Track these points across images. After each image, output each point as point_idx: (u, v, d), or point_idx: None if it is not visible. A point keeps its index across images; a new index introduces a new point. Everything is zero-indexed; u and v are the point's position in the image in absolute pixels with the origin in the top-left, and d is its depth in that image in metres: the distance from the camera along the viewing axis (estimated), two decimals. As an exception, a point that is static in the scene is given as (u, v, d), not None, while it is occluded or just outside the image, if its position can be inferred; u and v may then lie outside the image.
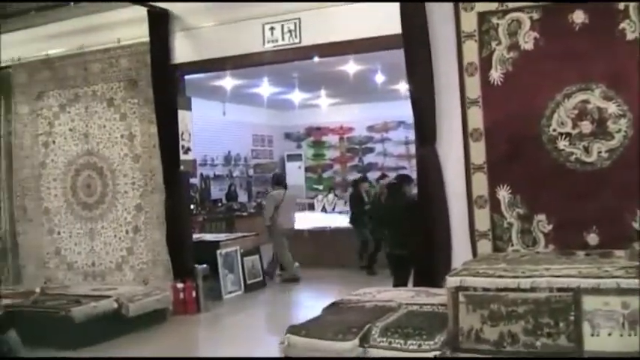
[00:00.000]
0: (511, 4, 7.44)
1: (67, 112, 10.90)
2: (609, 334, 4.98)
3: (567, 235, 7.19)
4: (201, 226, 15.46)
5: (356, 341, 5.74)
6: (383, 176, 14.01)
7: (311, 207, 16.91)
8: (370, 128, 22.45)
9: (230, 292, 11.26)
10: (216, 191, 19.95)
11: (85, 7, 10.13)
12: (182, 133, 10.07)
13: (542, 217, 7.34)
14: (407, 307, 6.57)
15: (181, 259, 9.97)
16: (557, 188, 7.26)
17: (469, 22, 7.67)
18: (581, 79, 7.14)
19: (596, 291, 5.05)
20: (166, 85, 9.92)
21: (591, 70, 7.12)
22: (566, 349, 5.09)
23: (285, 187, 13.61)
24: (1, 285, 10.73)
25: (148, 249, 10.19)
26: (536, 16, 7.34)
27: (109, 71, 10.51)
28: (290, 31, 9.12)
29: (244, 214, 18.39)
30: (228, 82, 15.75)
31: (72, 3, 9.98)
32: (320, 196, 16.91)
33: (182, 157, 10.06)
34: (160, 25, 9.90)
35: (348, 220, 13.94)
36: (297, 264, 12.91)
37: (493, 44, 7.55)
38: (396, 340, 5.67)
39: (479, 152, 7.66)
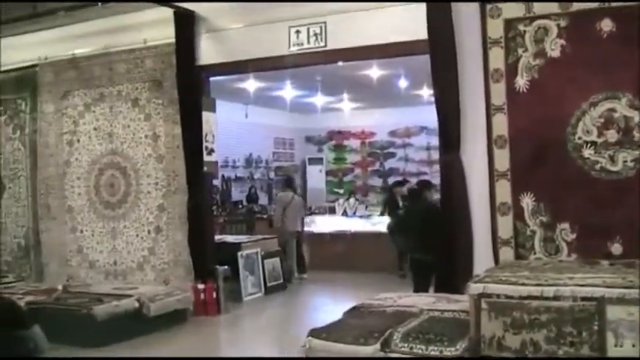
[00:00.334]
0: (538, 11, 7.42)
1: (92, 112, 10.98)
2: (633, 345, 4.93)
3: (591, 245, 7.15)
4: (222, 227, 15.44)
5: (377, 346, 5.74)
6: (404, 181, 13.91)
7: (332, 211, 16.86)
8: (392, 133, 22.38)
9: (250, 294, 11.29)
10: (237, 193, 19.96)
11: (111, 7, 10.17)
12: (206, 135, 10.11)
13: (565, 225, 7.31)
14: (428, 313, 6.55)
15: (202, 260, 10.00)
16: (582, 197, 7.23)
17: (495, 28, 7.66)
18: (608, 87, 7.12)
19: (621, 301, 5.00)
20: (191, 86, 9.97)
21: (618, 79, 7.08)
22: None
23: (294, 190, 13.77)
24: (23, 282, 10.82)
25: (170, 249, 10.23)
26: (563, 23, 7.32)
27: (135, 71, 10.58)
28: (316, 35, 9.14)
29: (264, 216, 18.34)
30: (251, 84, 15.75)
31: (99, 3, 10.03)
32: (341, 200, 16.85)
33: (205, 158, 10.10)
34: (186, 26, 9.96)
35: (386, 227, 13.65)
36: (304, 275, 12.96)
37: (519, 51, 7.54)
38: (418, 346, 5.66)
39: (503, 159, 7.64)
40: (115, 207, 10.78)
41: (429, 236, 8.78)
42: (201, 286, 9.87)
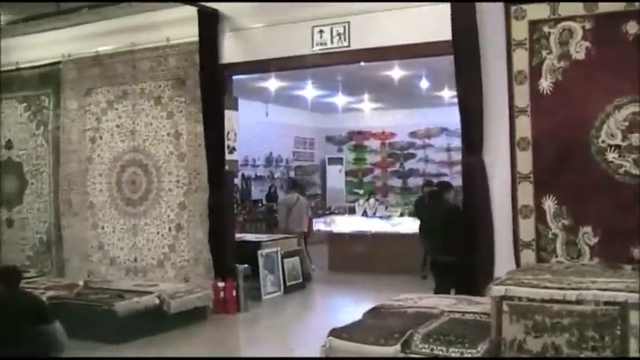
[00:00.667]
0: (563, 13, 7.38)
1: (115, 109, 11.03)
2: (656, 350, 4.92)
3: (613, 249, 7.12)
4: (241, 226, 15.52)
5: (398, 347, 5.72)
6: (428, 183, 13.78)
7: (351, 211, 16.87)
8: (412, 134, 22.35)
9: (269, 293, 11.29)
10: (257, 192, 20.03)
11: (135, 5, 10.21)
12: (228, 133, 10.13)
13: (588, 229, 7.28)
14: (449, 315, 6.53)
15: (223, 258, 10.02)
16: (605, 200, 7.19)
17: (520, 30, 7.64)
18: (633, 90, 7.06)
19: (644, 306, 4.98)
20: (214, 84, 10.00)
21: (643, 82, 7.03)
22: (611, 363, 5.03)
23: (302, 191, 13.75)
24: (45, 277, 10.89)
25: (190, 247, 10.26)
26: (588, 25, 7.29)
27: (158, 69, 10.62)
28: (339, 35, 9.14)
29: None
30: (272, 83, 15.78)
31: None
32: (361, 201, 16.85)
33: (227, 156, 10.12)
34: (210, 25, 9.99)
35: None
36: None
37: (544, 53, 7.51)
38: (438, 347, 5.63)
39: (526, 161, 7.62)
40: (136, 204, 10.83)
41: (449, 238, 8.76)
42: (221, 284, 9.89)
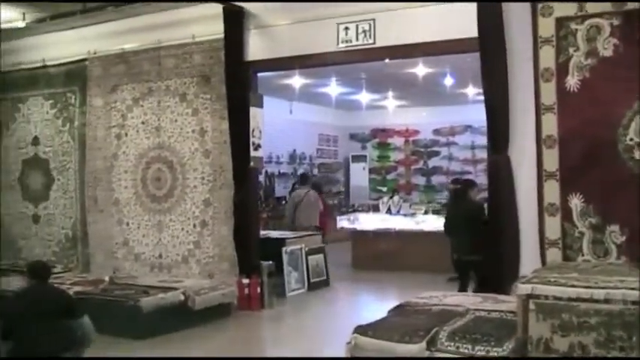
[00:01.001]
0: (591, 10, 7.31)
1: (140, 106, 11.09)
2: (684, 350, 4.87)
3: (641, 248, 7.04)
4: (265, 222, 15.53)
5: (423, 344, 5.71)
6: (456, 181, 13.64)
7: (375, 208, 16.83)
8: (436, 132, 22.28)
9: (293, 290, 11.29)
10: (281, 189, 20.03)
11: (160, 3, 10.27)
12: (253, 130, 10.16)
13: (615, 227, 7.21)
14: (474, 313, 6.50)
15: (247, 254, 10.05)
16: (632, 199, 7.11)
17: (547, 27, 7.57)
18: (662, 88, 6.99)
19: (672, 306, 4.93)
20: (239, 82, 10.02)
21: (672, 79, 6.96)
22: (639, 363, 4.99)
23: (318, 187, 14.10)
24: (71, 272, 10.97)
25: (215, 243, 10.30)
26: (616, 22, 7.21)
27: (183, 67, 10.66)
28: (364, 32, 9.13)
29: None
30: (296, 80, 15.81)
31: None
32: (385, 198, 16.82)
33: (252, 153, 10.16)
34: (235, 22, 10.00)
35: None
36: None
37: (571, 50, 7.44)
38: (464, 346, 5.62)
39: (552, 159, 7.56)
40: (161, 200, 10.89)
41: (474, 236, 8.74)
42: (245, 281, 9.91)
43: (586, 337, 5.14)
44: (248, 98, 10.11)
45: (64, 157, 12.00)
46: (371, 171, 23.17)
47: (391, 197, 16.49)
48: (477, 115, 8.07)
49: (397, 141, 23.08)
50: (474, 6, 7.87)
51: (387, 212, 15.83)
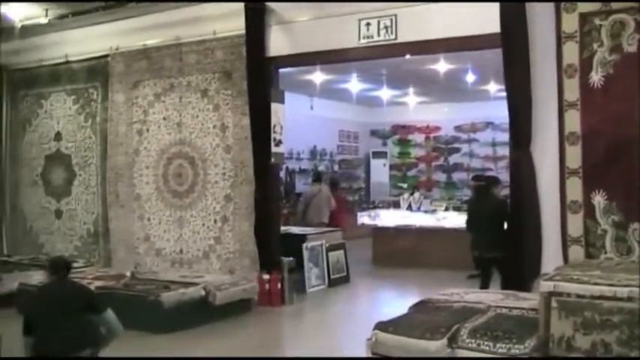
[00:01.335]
0: (615, 5, 7.25)
1: (162, 102, 11.13)
2: None
3: (665, 246, 6.99)
4: (285, 218, 15.54)
5: (444, 341, 5.70)
6: (477, 178, 13.53)
7: (396, 205, 16.78)
8: (457, 128, 22.17)
9: (314, 286, 11.29)
10: (301, 185, 20.01)
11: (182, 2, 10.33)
12: (274, 126, 10.15)
13: (638, 225, 7.16)
14: (495, 310, 6.47)
15: (268, 250, 10.06)
16: (656, 197, 7.06)
17: (570, 22, 7.52)
18: (686, 84, 6.92)
19: (696, 305, 4.88)
20: (261, 77, 10.02)
21: (697, 75, 6.89)
22: (662, 362, 4.94)
23: (332, 185, 14.43)
24: (92, 267, 11.04)
25: (236, 239, 10.33)
26: (641, 18, 7.15)
27: (204, 62, 10.69)
28: (386, 27, 9.09)
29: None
30: (317, 76, 15.77)
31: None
32: (406, 195, 16.76)
33: (273, 149, 10.13)
34: (257, 18, 10.00)
35: None
36: None
37: (594, 46, 7.38)
38: (485, 343, 5.60)
39: (575, 156, 7.51)
40: (183, 196, 10.92)
41: (497, 233, 8.70)
42: (266, 277, 9.92)
43: (609, 336, 5.10)
44: (269, 94, 10.10)
45: (86, 153, 12.08)
46: (391, 167, 23.12)
47: (412, 194, 16.42)
48: (499, 111, 8.01)
49: (418, 137, 23.00)
50: (496, 2, 7.82)
51: (407, 209, 15.79)
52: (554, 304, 5.33)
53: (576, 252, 7.46)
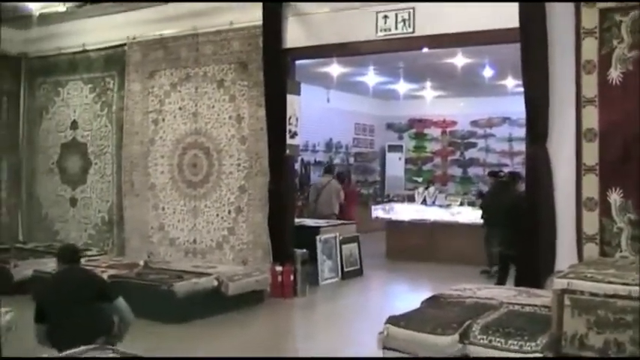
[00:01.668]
0: (636, 1, 7.17)
1: (178, 92, 11.13)
2: None
3: (681, 245, 6.92)
4: (300, 211, 15.54)
5: (456, 336, 5.68)
6: (493, 173, 13.41)
7: (411, 199, 16.73)
8: (474, 123, 22.05)
9: (327, 279, 11.29)
10: (316, 177, 19.93)
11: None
12: (290, 118, 10.13)
13: (654, 224, 7.09)
14: (508, 307, 6.44)
15: (281, 242, 10.06)
16: (673, 196, 6.99)
17: (590, 18, 7.45)
18: None
19: None
20: (277, 69, 10.00)
21: None
22: (675, 363, 4.90)
23: (340, 178, 14.66)
24: (106, 255, 11.07)
25: (249, 230, 10.33)
26: (662, 14, 7.07)
27: (221, 53, 10.68)
28: (404, 21, 9.05)
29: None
30: (334, 69, 15.73)
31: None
32: (421, 189, 16.70)
33: (288, 141, 10.12)
34: (274, 9, 9.98)
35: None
36: None
37: (614, 42, 7.32)
38: (497, 339, 5.57)
39: (592, 153, 7.46)
40: (197, 186, 10.93)
41: (514, 229, 8.64)
42: (279, 268, 9.92)
43: (622, 335, 5.06)
44: (285, 85, 10.08)
45: (101, 142, 12.10)
46: (407, 161, 23.06)
47: (427, 188, 16.36)
48: (515, 106, 7.95)
49: (434, 132, 22.91)
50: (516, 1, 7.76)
51: (422, 203, 15.72)
52: (567, 301, 5.30)
53: (591, 250, 7.41)
